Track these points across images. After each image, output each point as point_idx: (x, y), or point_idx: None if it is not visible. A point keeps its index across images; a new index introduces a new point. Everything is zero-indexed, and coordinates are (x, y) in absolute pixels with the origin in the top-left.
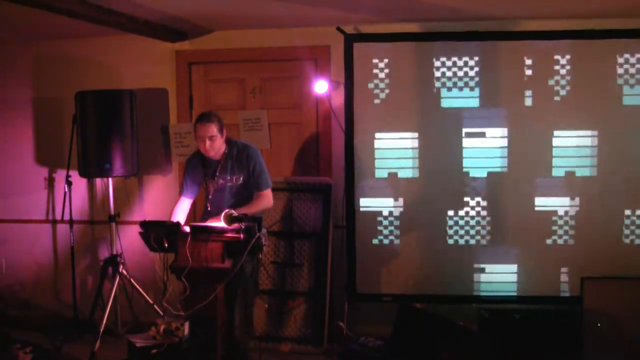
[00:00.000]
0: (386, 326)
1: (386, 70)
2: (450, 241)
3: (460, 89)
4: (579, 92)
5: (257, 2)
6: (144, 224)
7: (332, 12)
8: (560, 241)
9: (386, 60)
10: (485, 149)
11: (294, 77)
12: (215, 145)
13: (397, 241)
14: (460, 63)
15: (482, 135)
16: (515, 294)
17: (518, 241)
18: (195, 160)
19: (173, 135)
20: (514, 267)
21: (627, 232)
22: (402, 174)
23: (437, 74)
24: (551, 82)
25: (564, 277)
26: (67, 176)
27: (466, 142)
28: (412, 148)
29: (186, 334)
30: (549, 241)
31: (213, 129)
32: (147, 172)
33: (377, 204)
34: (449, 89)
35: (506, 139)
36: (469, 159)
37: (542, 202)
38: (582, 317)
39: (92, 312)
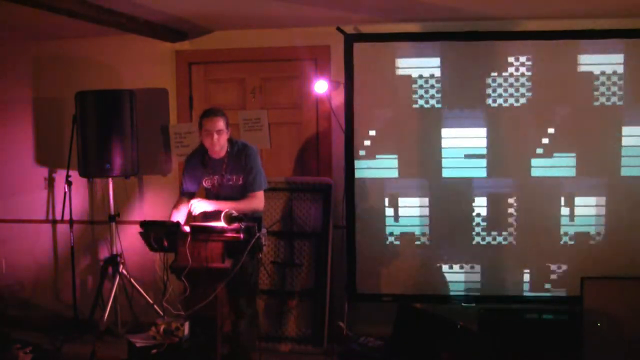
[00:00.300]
0: (386, 326)
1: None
2: (452, 238)
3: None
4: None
5: (257, 2)
6: (144, 224)
7: (332, 12)
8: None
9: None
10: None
11: (294, 77)
12: (222, 141)
13: (397, 241)
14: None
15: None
16: (514, 294)
17: (517, 241)
18: (195, 159)
19: (173, 135)
20: (513, 267)
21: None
22: (403, 174)
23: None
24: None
25: (563, 277)
26: (67, 176)
27: (466, 142)
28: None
29: (186, 334)
30: (548, 240)
31: (221, 123)
32: (147, 172)
33: (377, 204)
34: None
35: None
36: (469, 160)
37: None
38: (582, 317)
39: (92, 312)
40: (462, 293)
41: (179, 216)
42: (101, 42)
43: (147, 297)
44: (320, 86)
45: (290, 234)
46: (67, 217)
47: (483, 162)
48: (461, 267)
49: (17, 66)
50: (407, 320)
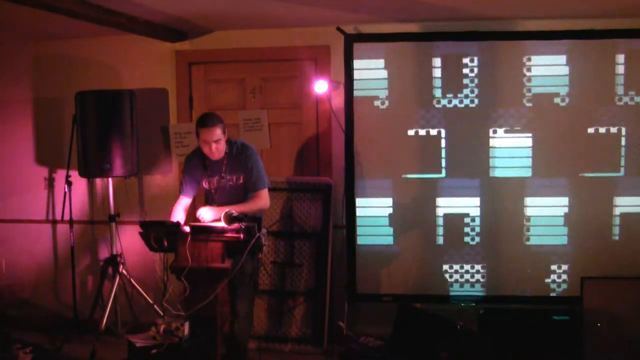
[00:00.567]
0: (386, 326)
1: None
2: (451, 241)
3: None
4: None
5: (257, 2)
6: (144, 224)
7: (332, 12)
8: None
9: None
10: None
11: (294, 77)
12: (220, 148)
13: (397, 241)
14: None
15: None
16: (514, 294)
17: (516, 241)
18: (195, 159)
19: (173, 135)
20: (513, 267)
21: None
22: (402, 173)
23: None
24: None
25: (563, 277)
26: (67, 176)
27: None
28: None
29: (186, 334)
30: (548, 241)
31: (218, 133)
32: (147, 172)
33: (378, 204)
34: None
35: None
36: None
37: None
38: (582, 317)
39: (92, 312)
40: (462, 293)
41: (179, 216)
42: (101, 42)
43: (147, 297)
44: (320, 86)
45: (290, 234)
46: (67, 217)
47: (491, 162)
48: (461, 267)
49: (17, 66)
50: (407, 320)
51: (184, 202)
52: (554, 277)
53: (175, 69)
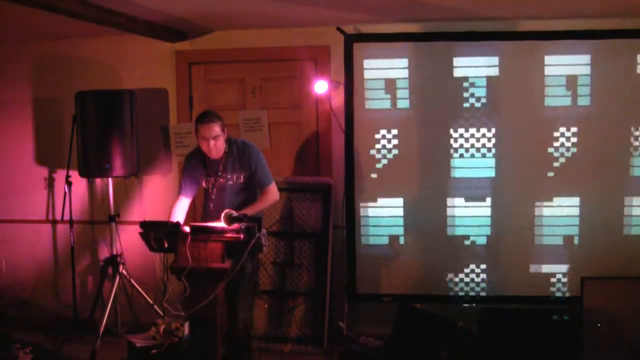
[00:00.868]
0: (386, 326)
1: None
2: (452, 240)
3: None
4: None
5: (257, 2)
6: (144, 224)
7: (332, 12)
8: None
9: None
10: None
11: (294, 77)
12: (219, 145)
13: (397, 241)
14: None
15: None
16: (514, 294)
17: (517, 241)
18: (194, 159)
19: (173, 135)
20: (513, 267)
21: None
22: (402, 171)
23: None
24: None
25: (562, 277)
26: (67, 176)
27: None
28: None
29: (186, 334)
30: (548, 241)
31: (217, 129)
32: (147, 172)
33: (377, 204)
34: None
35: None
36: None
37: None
38: (582, 317)
39: (92, 312)
40: (462, 293)
41: (179, 216)
42: (101, 42)
43: (147, 297)
44: (320, 86)
45: (290, 234)
46: (67, 217)
47: (491, 162)
48: (461, 267)
49: (17, 66)
50: (407, 320)
51: (184, 202)
52: (554, 277)
53: (175, 69)
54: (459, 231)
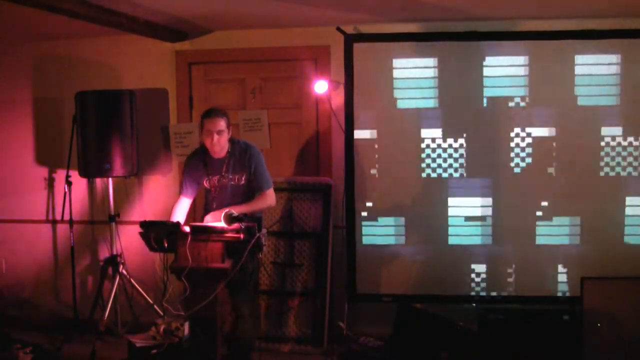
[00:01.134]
0: (386, 326)
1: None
2: (451, 240)
3: None
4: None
5: (257, 2)
6: (144, 224)
7: (332, 12)
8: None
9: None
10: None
11: (294, 77)
12: (222, 141)
13: (397, 241)
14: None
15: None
16: (514, 294)
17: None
18: (196, 159)
19: (173, 135)
20: (514, 267)
21: None
22: (402, 171)
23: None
24: None
25: (563, 277)
26: (67, 176)
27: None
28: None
29: (186, 334)
30: (547, 240)
31: (222, 124)
32: (147, 172)
33: (378, 204)
34: None
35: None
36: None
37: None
38: (582, 317)
39: (92, 312)
40: (462, 293)
41: (179, 216)
42: (101, 42)
43: (147, 297)
44: (320, 86)
45: (290, 234)
46: (67, 217)
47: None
48: (463, 267)
49: (17, 66)
50: (407, 320)
51: (184, 202)
52: (554, 277)
53: (175, 69)
54: (464, 231)
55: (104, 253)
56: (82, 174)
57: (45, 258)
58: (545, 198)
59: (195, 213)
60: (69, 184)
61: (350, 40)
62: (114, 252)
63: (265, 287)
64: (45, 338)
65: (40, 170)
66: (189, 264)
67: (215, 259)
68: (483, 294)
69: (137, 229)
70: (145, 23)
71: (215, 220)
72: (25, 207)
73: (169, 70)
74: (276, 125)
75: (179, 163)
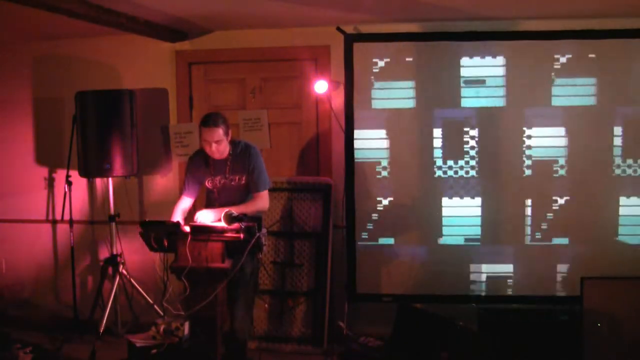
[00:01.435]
0: (386, 326)
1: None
2: (450, 241)
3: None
4: None
5: (257, 2)
6: (144, 224)
7: (332, 12)
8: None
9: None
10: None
11: (294, 77)
12: (221, 149)
13: (397, 241)
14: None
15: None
16: (514, 293)
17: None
18: (198, 158)
19: (173, 135)
20: (514, 267)
21: None
22: (402, 172)
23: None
24: None
25: (562, 277)
26: (67, 176)
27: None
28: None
29: (186, 334)
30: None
31: (219, 134)
32: (147, 172)
33: (377, 203)
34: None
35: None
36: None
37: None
38: (582, 317)
39: (92, 312)
40: (462, 293)
41: (180, 216)
42: (101, 42)
43: (147, 297)
44: (320, 86)
45: (290, 234)
46: (67, 217)
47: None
48: (462, 267)
49: (17, 66)
50: (407, 320)
51: (186, 202)
52: (554, 277)
53: (175, 69)
54: (461, 230)
55: (104, 253)
56: (82, 174)
57: (45, 258)
58: (548, 198)
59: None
60: (69, 184)
61: (350, 40)
62: (114, 252)
63: (265, 287)
64: (45, 338)
65: (40, 170)
66: (189, 264)
67: (215, 258)
68: (483, 294)
69: (137, 229)
70: (145, 23)
71: (210, 217)
72: (25, 207)
73: (169, 70)
74: (276, 125)
75: (179, 163)
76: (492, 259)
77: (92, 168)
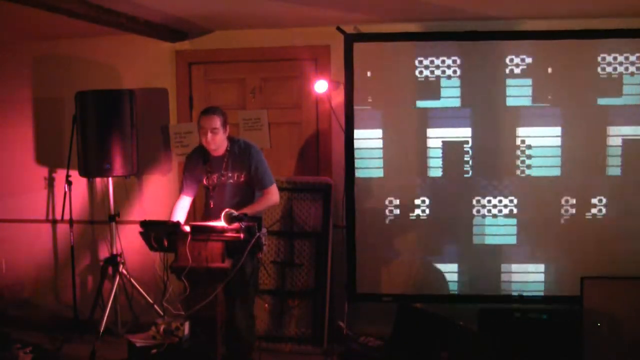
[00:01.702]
0: (386, 326)
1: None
2: (452, 240)
3: None
4: None
5: (257, 2)
6: (144, 224)
7: (332, 12)
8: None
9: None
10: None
11: (294, 77)
12: (217, 139)
13: (397, 241)
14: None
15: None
16: (515, 293)
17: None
18: (195, 156)
19: (173, 135)
20: (514, 267)
21: None
22: (401, 172)
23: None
24: None
25: (563, 277)
26: (67, 176)
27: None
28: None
29: (186, 334)
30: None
31: (216, 122)
32: (147, 172)
33: (377, 203)
34: None
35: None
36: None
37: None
38: (582, 317)
39: (92, 312)
40: (462, 293)
41: (179, 216)
42: (101, 42)
43: (147, 297)
44: (320, 86)
45: (290, 234)
46: (67, 217)
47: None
48: (461, 267)
49: (17, 66)
50: (407, 320)
51: (185, 201)
52: (555, 277)
53: (175, 69)
54: (461, 230)
55: (104, 253)
56: (82, 173)
57: (45, 258)
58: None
59: (195, 212)
60: (69, 183)
61: (350, 40)
62: (114, 252)
63: (265, 287)
64: (45, 338)
65: (40, 170)
66: (189, 264)
67: (215, 258)
68: (483, 293)
69: (137, 228)
70: (145, 23)
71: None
72: (25, 207)
73: (169, 70)
74: (276, 125)
75: (179, 163)
76: (492, 259)
77: (92, 168)
